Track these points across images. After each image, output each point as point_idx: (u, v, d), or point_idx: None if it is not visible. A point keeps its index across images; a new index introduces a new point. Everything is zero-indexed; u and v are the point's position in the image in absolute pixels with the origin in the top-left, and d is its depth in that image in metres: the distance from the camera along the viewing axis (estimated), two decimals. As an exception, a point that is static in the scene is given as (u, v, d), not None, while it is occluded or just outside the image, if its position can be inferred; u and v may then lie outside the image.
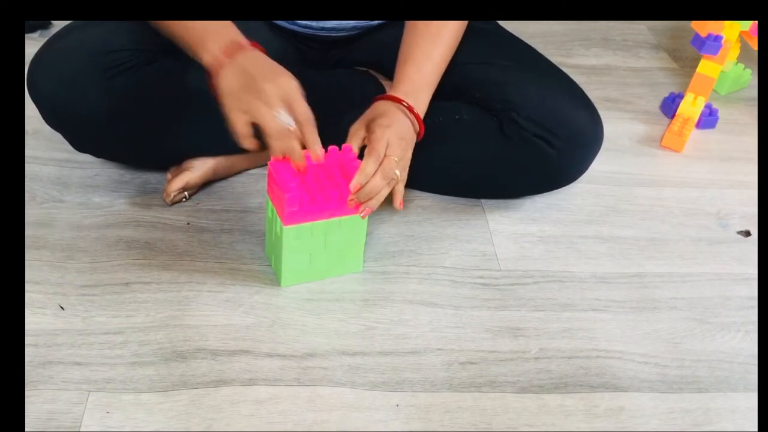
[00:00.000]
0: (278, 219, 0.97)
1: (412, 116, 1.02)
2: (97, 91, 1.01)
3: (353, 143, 1.00)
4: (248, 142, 0.93)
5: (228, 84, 0.92)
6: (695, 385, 0.95)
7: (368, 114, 1.02)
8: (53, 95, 1.01)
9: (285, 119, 0.90)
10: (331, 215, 0.97)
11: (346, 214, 0.98)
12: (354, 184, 0.95)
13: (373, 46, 1.19)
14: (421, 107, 1.04)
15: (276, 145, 0.92)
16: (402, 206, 1.01)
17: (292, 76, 0.92)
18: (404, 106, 1.01)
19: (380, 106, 1.02)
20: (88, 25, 1.03)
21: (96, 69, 1.00)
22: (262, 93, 0.90)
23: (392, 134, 0.97)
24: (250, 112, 0.91)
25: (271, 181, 0.97)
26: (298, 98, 0.91)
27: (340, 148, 0.99)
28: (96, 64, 1.00)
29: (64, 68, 1.00)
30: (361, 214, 0.98)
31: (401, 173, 0.99)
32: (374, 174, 0.95)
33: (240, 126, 0.92)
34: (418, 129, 1.03)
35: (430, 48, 1.06)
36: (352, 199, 0.96)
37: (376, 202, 0.97)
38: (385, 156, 0.96)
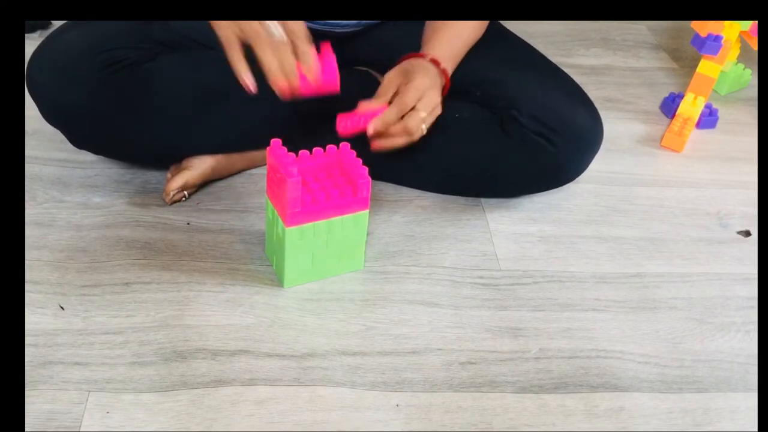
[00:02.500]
0: (279, 220, 0.97)
1: (443, 79, 1.04)
2: (95, 87, 1.01)
3: (387, 90, 1.00)
4: (242, 67, 0.90)
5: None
6: (695, 385, 0.95)
7: (403, 65, 1.03)
8: (52, 91, 1.01)
9: (275, 30, 0.88)
10: (333, 215, 0.97)
11: (347, 212, 0.98)
12: (371, 129, 0.96)
13: (373, 46, 1.19)
14: (450, 73, 1.07)
15: (266, 57, 0.89)
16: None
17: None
18: (440, 68, 1.04)
19: (414, 61, 1.03)
20: (88, 22, 1.03)
21: (95, 66, 1.00)
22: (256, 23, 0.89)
23: (433, 90, 1.00)
24: (242, 32, 0.89)
25: (271, 183, 0.97)
26: (292, 22, 0.89)
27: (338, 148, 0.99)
28: (95, 60, 1.00)
29: (62, 65, 1.00)
30: (372, 146, 0.99)
31: (426, 126, 1.00)
32: (396, 123, 0.97)
33: (234, 50, 0.89)
34: (444, 84, 1.05)
35: (461, 27, 1.09)
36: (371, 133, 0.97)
37: (388, 145, 0.99)
38: (414, 109, 0.98)
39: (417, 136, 1.01)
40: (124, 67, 1.02)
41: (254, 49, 0.89)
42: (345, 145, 0.99)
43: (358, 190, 0.96)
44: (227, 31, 0.90)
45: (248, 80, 0.90)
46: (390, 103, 1.00)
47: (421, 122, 0.99)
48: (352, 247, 1.02)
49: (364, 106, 0.99)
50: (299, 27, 0.89)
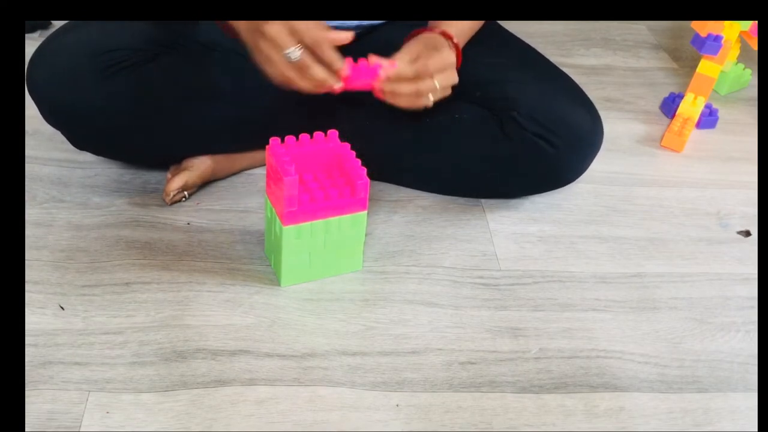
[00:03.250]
0: (277, 219, 0.97)
1: (457, 56, 1.04)
2: (95, 88, 1.01)
3: (405, 51, 0.98)
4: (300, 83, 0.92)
5: (244, 38, 0.92)
6: (695, 385, 0.95)
7: (421, 39, 1.01)
8: (52, 93, 1.01)
9: (293, 55, 0.88)
10: (331, 214, 0.97)
11: (345, 212, 0.98)
12: (383, 73, 0.95)
13: (375, 46, 1.19)
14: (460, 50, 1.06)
15: (302, 85, 0.91)
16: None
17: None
18: (453, 43, 1.03)
19: (429, 36, 1.02)
20: (88, 23, 1.03)
21: (95, 67, 1.00)
22: (268, 35, 0.89)
23: (452, 72, 1.00)
24: (266, 65, 0.91)
25: (269, 181, 0.97)
26: (301, 25, 0.89)
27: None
28: (95, 62, 1.00)
29: (63, 66, 1.00)
30: (376, 93, 0.97)
31: (433, 99, 0.99)
32: (408, 81, 0.96)
33: (283, 76, 0.91)
34: (456, 59, 1.04)
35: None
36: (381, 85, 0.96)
37: (391, 100, 0.98)
38: (431, 76, 0.97)
39: (422, 103, 0.99)
40: (125, 68, 1.02)
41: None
42: (345, 146, 0.99)
43: (356, 191, 0.96)
44: (263, 67, 0.92)
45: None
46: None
47: (432, 90, 0.98)
48: (350, 247, 1.02)
49: (376, 58, 0.97)
50: (319, 36, 0.89)
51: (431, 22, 1.07)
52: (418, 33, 1.04)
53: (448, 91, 1.02)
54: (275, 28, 0.89)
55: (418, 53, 0.98)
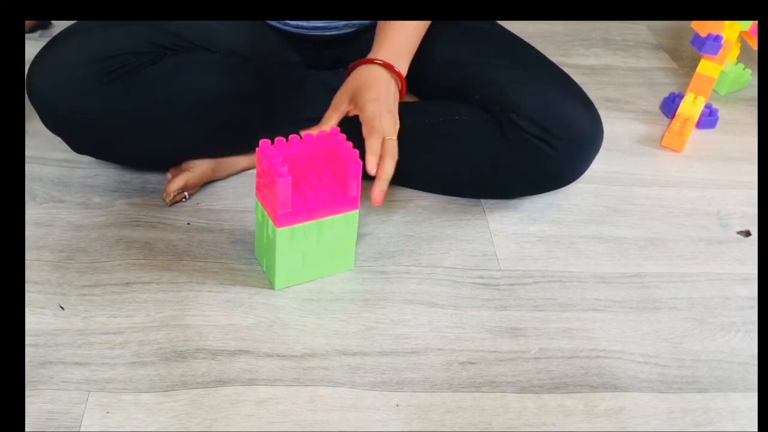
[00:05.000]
0: (269, 221, 0.97)
1: (394, 75, 1.03)
2: (95, 94, 1.01)
3: (335, 115, 1.00)
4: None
5: None
6: (695, 385, 0.95)
7: (350, 83, 1.02)
8: (52, 100, 1.01)
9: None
10: (324, 214, 0.97)
11: (338, 212, 0.98)
12: (374, 169, 0.96)
13: (367, 48, 1.19)
14: (403, 69, 1.05)
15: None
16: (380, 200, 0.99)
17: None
18: (393, 72, 1.03)
19: (362, 72, 1.02)
20: (88, 29, 1.03)
21: (95, 74, 1.00)
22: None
23: (384, 109, 0.99)
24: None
25: (260, 184, 0.97)
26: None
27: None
28: (95, 68, 1.00)
29: (62, 73, 1.00)
30: (378, 201, 0.98)
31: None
32: (383, 156, 0.97)
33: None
34: (400, 87, 1.05)
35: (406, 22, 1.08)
36: (380, 191, 0.97)
37: (386, 184, 0.98)
38: (384, 138, 0.98)
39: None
40: (126, 73, 1.02)
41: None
42: (338, 133, 0.98)
43: (348, 189, 0.96)
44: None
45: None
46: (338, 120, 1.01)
47: (395, 145, 0.99)
48: (342, 247, 1.02)
49: (308, 132, 0.99)
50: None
51: (374, 46, 1.06)
52: (352, 67, 1.05)
53: (398, 125, 1.02)
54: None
55: (345, 108, 1.01)
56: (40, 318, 0.94)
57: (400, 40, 1.05)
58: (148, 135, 1.07)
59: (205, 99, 1.07)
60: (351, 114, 1.01)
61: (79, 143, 1.08)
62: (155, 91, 1.04)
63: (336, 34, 1.17)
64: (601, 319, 1.03)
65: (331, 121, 1.01)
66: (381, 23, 1.07)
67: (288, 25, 1.14)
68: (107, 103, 1.01)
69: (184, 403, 0.87)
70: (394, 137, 0.99)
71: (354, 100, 1.01)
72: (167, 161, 1.14)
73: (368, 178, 0.98)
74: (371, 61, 1.03)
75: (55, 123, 1.04)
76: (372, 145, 0.96)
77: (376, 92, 1.00)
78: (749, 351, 1.00)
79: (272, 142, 0.96)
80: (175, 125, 1.07)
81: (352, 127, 1.01)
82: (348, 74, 1.05)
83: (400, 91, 1.06)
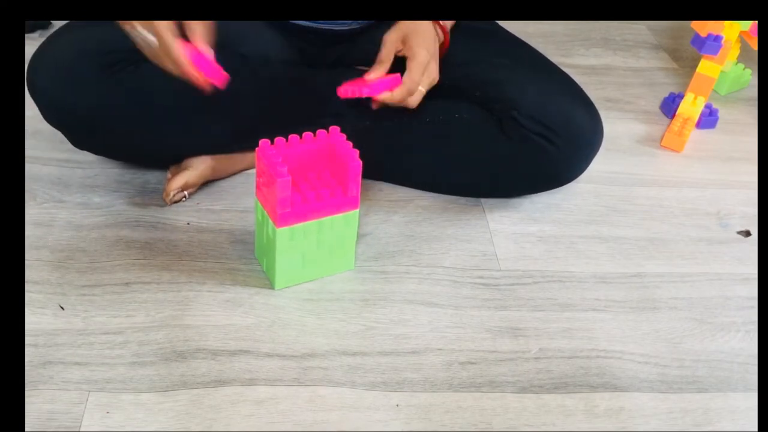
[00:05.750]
0: (269, 221, 0.97)
1: (440, 30, 1.09)
2: (95, 88, 1.01)
3: (390, 54, 1.05)
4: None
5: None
6: (695, 385, 0.95)
7: (402, 27, 1.07)
8: (52, 93, 1.01)
9: (147, 37, 0.91)
10: (324, 214, 0.97)
11: (338, 212, 0.98)
12: (377, 102, 1.04)
13: (373, 45, 1.19)
14: (447, 24, 1.11)
15: (164, 62, 0.92)
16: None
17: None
18: (439, 24, 1.08)
19: (415, 24, 1.07)
20: (87, 23, 1.03)
21: (95, 67, 1.00)
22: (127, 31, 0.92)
23: (432, 62, 1.05)
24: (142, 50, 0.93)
25: (260, 184, 0.97)
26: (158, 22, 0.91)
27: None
28: (95, 62, 1.00)
29: (63, 66, 1.00)
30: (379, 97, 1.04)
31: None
32: (402, 94, 1.03)
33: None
34: (443, 41, 1.11)
35: None
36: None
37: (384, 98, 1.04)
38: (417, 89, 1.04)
39: (415, 105, 1.06)
40: (124, 68, 1.02)
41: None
42: (334, 129, 0.99)
43: (348, 189, 0.96)
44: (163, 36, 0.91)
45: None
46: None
47: (421, 96, 1.05)
48: (342, 247, 1.02)
49: (368, 75, 1.04)
50: (161, 26, 0.91)
51: None
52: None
53: (436, 80, 1.07)
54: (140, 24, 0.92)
55: (395, 52, 1.05)
56: (40, 318, 0.94)
57: None
58: (147, 130, 1.07)
59: (202, 96, 1.07)
60: (400, 54, 1.06)
61: (78, 138, 1.08)
62: (154, 85, 1.04)
63: (345, 30, 1.17)
64: (601, 319, 1.03)
65: (389, 59, 1.05)
66: None
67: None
68: (106, 97, 1.01)
69: (184, 403, 0.87)
70: (424, 90, 1.05)
71: (406, 42, 1.05)
72: (166, 157, 1.14)
73: (368, 178, 0.98)
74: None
75: (54, 117, 1.04)
76: (410, 78, 1.03)
77: (427, 41, 1.05)
78: (749, 351, 1.00)
79: (272, 141, 0.97)
80: (171, 120, 1.07)
81: (352, 127, 1.01)
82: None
83: (443, 46, 1.10)
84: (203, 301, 0.99)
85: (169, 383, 0.89)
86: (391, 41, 1.06)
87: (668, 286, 1.09)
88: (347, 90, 1.03)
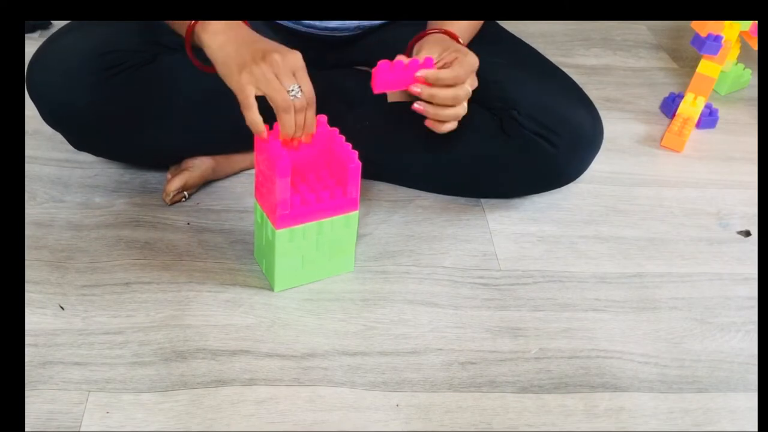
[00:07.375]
0: (269, 223, 0.96)
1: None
2: (95, 90, 1.01)
3: (429, 54, 0.95)
4: (254, 115, 0.89)
5: (225, 50, 0.89)
6: (695, 385, 0.95)
7: (438, 39, 0.99)
8: (51, 94, 1.01)
9: (298, 95, 0.88)
10: (323, 216, 0.97)
11: (337, 213, 0.98)
12: (420, 73, 0.93)
13: (373, 46, 1.19)
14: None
15: (287, 119, 0.88)
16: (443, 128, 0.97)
17: (298, 51, 0.90)
18: (460, 44, 1.01)
19: (449, 41, 1.00)
20: (88, 24, 1.03)
21: (94, 68, 1.00)
22: (274, 64, 0.87)
23: (475, 77, 0.97)
24: (262, 85, 0.87)
25: (259, 185, 0.97)
26: (305, 74, 0.89)
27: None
28: (94, 63, 1.00)
29: (62, 67, 1.00)
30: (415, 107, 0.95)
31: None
32: (446, 86, 0.94)
33: (250, 97, 0.88)
34: None
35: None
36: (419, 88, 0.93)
37: (433, 115, 0.96)
38: (464, 81, 0.95)
39: (460, 113, 0.97)
40: (125, 69, 1.02)
41: (275, 109, 0.88)
42: (338, 134, 0.98)
43: (347, 190, 0.96)
44: (244, 86, 0.88)
45: (265, 135, 0.91)
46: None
47: (467, 96, 0.96)
48: (342, 248, 1.02)
49: (403, 57, 0.94)
50: (312, 92, 0.89)
51: (430, 23, 1.06)
52: (425, 35, 1.03)
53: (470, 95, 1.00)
54: (281, 59, 0.87)
55: (440, 55, 0.96)
56: (40, 318, 0.94)
57: (458, 28, 1.04)
58: (146, 131, 1.07)
59: (204, 96, 1.07)
60: (446, 59, 0.96)
61: (77, 139, 1.08)
62: (154, 87, 1.04)
63: (346, 35, 1.17)
64: (601, 319, 1.03)
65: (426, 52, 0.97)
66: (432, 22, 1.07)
67: (300, 24, 1.14)
68: (106, 99, 1.01)
69: (184, 403, 0.87)
70: (470, 90, 0.97)
71: (446, 48, 0.97)
72: (165, 158, 1.15)
73: (367, 178, 0.97)
74: (446, 32, 1.01)
75: (54, 118, 1.04)
76: (461, 67, 0.94)
77: (473, 57, 0.97)
78: (749, 351, 1.00)
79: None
80: (171, 122, 1.07)
81: (352, 127, 1.01)
82: (416, 41, 1.02)
83: None
84: (203, 301, 0.99)
85: (169, 383, 0.89)
86: (428, 47, 0.98)
87: (668, 286, 1.09)
88: (385, 77, 0.93)
